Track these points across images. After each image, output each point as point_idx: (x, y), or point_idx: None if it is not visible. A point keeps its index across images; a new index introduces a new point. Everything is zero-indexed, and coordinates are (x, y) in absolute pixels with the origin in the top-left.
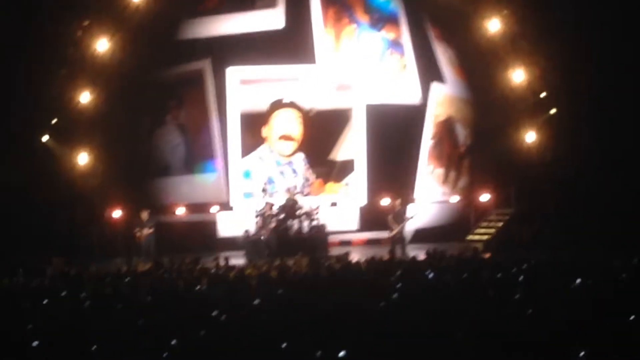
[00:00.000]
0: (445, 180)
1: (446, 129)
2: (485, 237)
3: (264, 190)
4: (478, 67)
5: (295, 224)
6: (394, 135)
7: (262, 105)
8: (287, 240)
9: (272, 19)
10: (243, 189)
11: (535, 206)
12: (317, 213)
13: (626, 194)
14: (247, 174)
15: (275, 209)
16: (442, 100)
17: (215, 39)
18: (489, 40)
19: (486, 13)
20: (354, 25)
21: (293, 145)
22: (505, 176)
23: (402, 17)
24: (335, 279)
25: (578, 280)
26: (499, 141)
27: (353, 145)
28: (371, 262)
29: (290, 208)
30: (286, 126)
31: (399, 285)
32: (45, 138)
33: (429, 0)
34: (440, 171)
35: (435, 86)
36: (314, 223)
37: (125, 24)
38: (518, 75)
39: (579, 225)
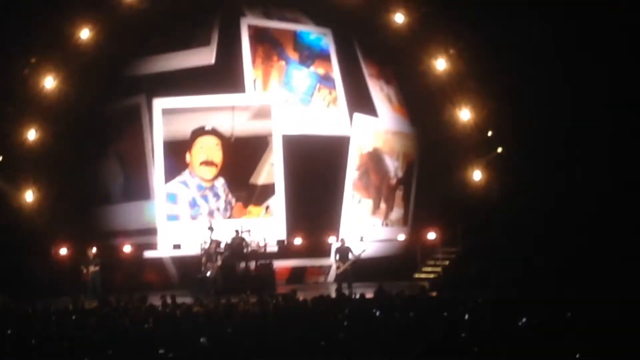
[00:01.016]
0: (375, 211)
1: (372, 160)
2: (432, 275)
3: (210, 228)
4: (423, 105)
5: (241, 262)
6: (317, 163)
7: (186, 133)
8: (234, 277)
9: (204, 56)
10: (167, 212)
11: (482, 245)
12: (264, 251)
13: (572, 233)
14: (172, 198)
15: (221, 246)
16: (368, 133)
17: (152, 75)
18: (435, 79)
19: (433, 52)
20: (283, 62)
21: (214, 171)
22: (451, 214)
23: (333, 53)
24: (282, 317)
25: (524, 319)
26: (445, 179)
27: (273, 171)
28: (318, 300)
29: (237, 246)
30: (207, 152)
31: (346, 324)
32: None
33: (374, 38)
34: (369, 202)
35: (359, 118)
36: (261, 261)
37: (71, 61)
38: (464, 114)
39: (525, 263)
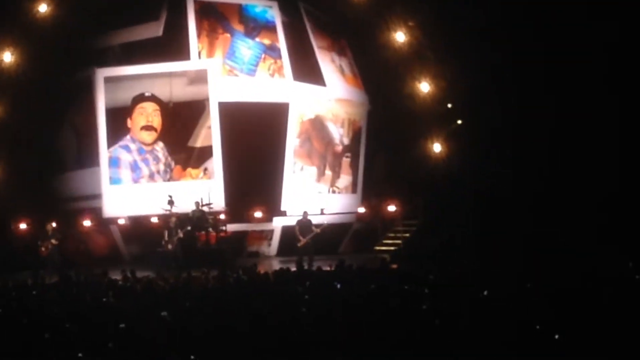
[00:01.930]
0: (320, 178)
1: (314, 127)
2: (392, 248)
3: (170, 202)
4: (382, 77)
5: (202, 235)
6: (255, 129)
7: (127, 100)
8: (194, 252)
9: (153, 29)
10: (111, 175)
11: (442, 217)
12: (224, 225)
13: (531, 204)
14: (114, 162)
15: (182, 220)
16: (309, 100)
17: (104, 48)
18: (394, 52)
19: (392, 25)
20: (228, 35)
21: (153, 135)
22: (412, 186)
23: (279, 25)
24: (243, 290)
25: (485, 292)
26: (405, 151)
27: (210, 134)
28: (279, 273)
29: (197, 220)
30: (147, 117)
31: (307, 297)
32: None
33: (328, 11)
34: (312, 169)
35: (299, 86)
36: (221, 234)
37: (29, 35)
38: (424, 86)
39: (485, 235)
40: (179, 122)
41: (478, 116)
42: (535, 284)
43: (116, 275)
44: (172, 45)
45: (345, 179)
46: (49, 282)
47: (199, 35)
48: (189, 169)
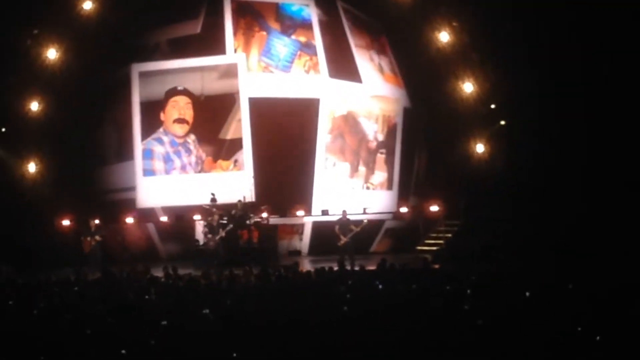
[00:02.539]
0: (354, 174)
1: (347, 123)
2: (434, 248)
3: (212, 199)
4: (425, 77)
5: (244, 233)
6: (285, 124)
7: (160, 94)
8: (236, 250)
9: (192, 27)
10: (144, 167)
11: (484, 217)
12: (266, 223)
13: (574, 205)
14: (148, 154)
15: (224, 218)
16: (341, 96)
17: (145, 45)
18: (438, 52)
19: (436, 25)
20: (264, 33)
21: (185, 127)
22: (454, 187)
23: (315, 23)
24: (285, 289)
25: (527, 293)
26: (448, 152)
27: (240, 126)
28: (321, 272)
29: (239, 218)
30: (179, 110)
31: (348, 296)
32: None
33: (370, 11)
34: (345, 165)
35: (331, 82)
36: (264, 233)
37: (73, 32)
38: (467, 87)
39: (527, 236)
40: (210, 115)
41: (521, 117)
42: (577, 285)
43: (158, 272)
44: (209, 42)
45: (380, 175)
46: (92, 278)
47: (235, 33)
48: (220, 161)
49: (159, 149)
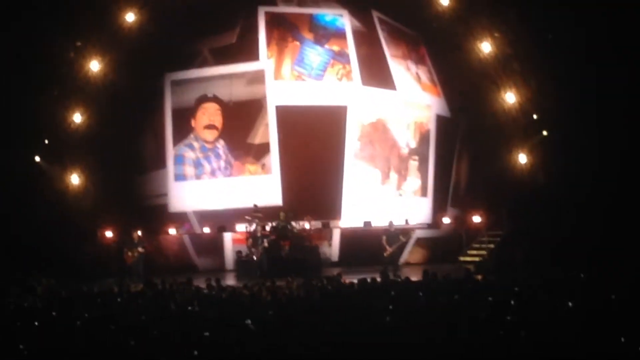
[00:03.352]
0: (385, 181)
1: (376, 130)
2: (477, 259)
3: (256, 210)
4: (466, 87)
5: (287, 245)
6: (312, 130)
7: (191, 101)
8: (279, 261)
9: (228, 38)
10: (176, 172)
11: (527, 228)
12: (308, 235)
13: (617, 215)
14: (179, 159)
15: (267, 229)
16: (371, 104)
17: (185, 56)
18: (479, 62)
19: (478, 35)
20: (297, 43)
21: (215, 133)
22: (497, 197)
23: (349, 32)
24: (328, 300)
25: (570, 303)
26: (491, 162)
27: (268, 131)
28: (364, 283)
29: (282, 229)
30: (209, 117)
31: (391, 307)
32: (37, 158)
33: (409, 21)
34: (376, 172)
35: (362, 89)
36: (306, 244)
37: (116, 45)
38: (510, 97)
39: (569, 247)
40: (239, 120)
41: (563, 127)
42: (619, 295)
43: (201, 284)
44: (244, 52)
45: (413, 182)
46: (134, 289)
47: (268, 44)
48: (247, 165)
49: (189, 155)
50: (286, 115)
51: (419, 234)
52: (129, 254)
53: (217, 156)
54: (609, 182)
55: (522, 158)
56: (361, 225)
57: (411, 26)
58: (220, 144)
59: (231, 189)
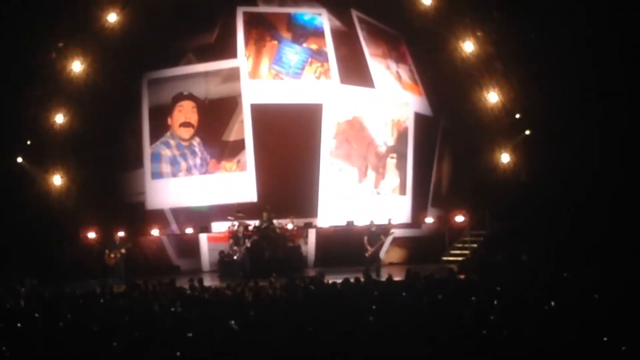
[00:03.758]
0: (362, 179)
1: (352, 128)
2: (460, 258)
3: (238, 211)
4: (448, 87)
5: (270, 245)
6: (287, 127)
7: (167, 99)
8: (262, 261)
9: (207, 38)
10: (152, 170)
11: (510, 228)
12: (291, 235)
13: (601, 214)
14: (156, 157)
15: (249, 229)
16: (346, 102)
17: (162, 56)
18: (462, 61)
19: (460, 34)
20: (275, 42)
21: (191, 131)
22: (480, 197)
23: (327, 30)
24: (311, 300)
25: (552, 303)
26: (473, 162)
27: (243, 127)
28: (347, 283)
29: (265, 229)
30: (185, 114)
31: (374, 307)
32: (19, 159)
33: (391, 20)
34: (353, 170)
35: (336, 88)
36: (289, 244)
37: (97, 45)
38: (492, 96)
39: (552, 246)
40: (214, 118)
41: (546, 126)
42: (602, 294)
43: (183, 284)
44: (222, 52)
45: (391, 180)
46: (117, 290)
47: (246, 43)
48: (223, 162)
49: (166, 152)
50: (261, 113)
51: (398, 233)
52: (111, 255)
53: (193, 153)
54: (592, 181)
55: (505, 157)
56: (342, 224)
57: (393, 25)
58: (196, 142)
59: (207, 186)
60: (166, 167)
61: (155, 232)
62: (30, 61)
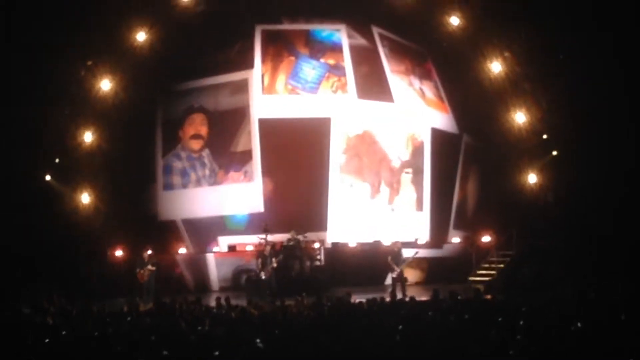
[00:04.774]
0: (375, 194)
1: (363, 143)
2: (487, 278)
3: (265, 230)
4: (476, 106)
5: (296, 264)
6: (298, 143)
7: (179, 112)
8: (289, 280)
9: (228, 55)
10: (164, 181)
11: (537, 248)
12: (318, 254)
13: (628, 236)
14: (168, 169)
15: (276, 248)
16: (358, 116)
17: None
18: (490, 81)
19: (488, 54)
20: (292, 58)
21: (200, 142)
22: (507, 217)
23: (346, 45)
24: (337, 319)
25: (579, 324)
26: (500, 182)
27: (250, 138)
28: (373, 303)
29: (291, 248)
30: (195, 127)
31: (401, 327)
32: (48, 177)
33: (431, 40)
34: (365, 185)
35: (351, 101)
36: (316, 263)
37: (126, 64)
38: (519, 117)
39: (579, 267)
40: (223, 129)
41: (573, 147)
42: (629, 315)
43: (211, 303)
44: (240, 69)
45: (407, 196)
46: (144, 308)
47: (263, 60)
48: (231, 173)
49: (177, 164)
50: (268, 125)
51: (423, 253)
52: (141, 272)
53: (203, 165)
54: (619, 202)
55: (532, 178)
56: (369, 241)
57: (418, 42)
58: (206, 153)
59: (216, 196)
60: (177, 179)
61: (182, 250)
62: (59, 79)
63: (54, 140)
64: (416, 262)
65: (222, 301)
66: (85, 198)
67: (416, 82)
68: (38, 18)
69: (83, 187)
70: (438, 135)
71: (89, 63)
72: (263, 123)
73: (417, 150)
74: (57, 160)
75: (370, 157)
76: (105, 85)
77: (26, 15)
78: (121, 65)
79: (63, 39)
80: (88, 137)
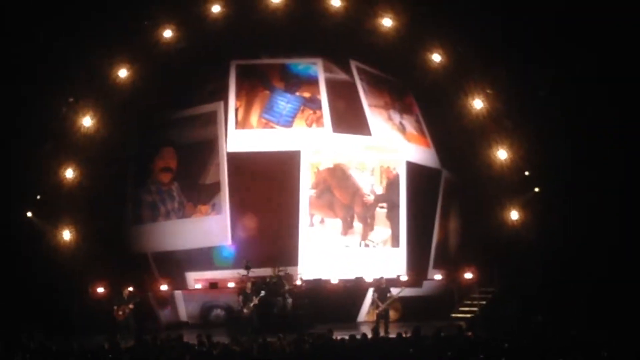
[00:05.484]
0: (347, 231)
1: (334, 176)
2: (468, 315)
3: (247, 267)
4: (457, 143)
5: (278, 301)
6: (267, 177)
7: (150, 146)
8: (270, 317)
9: (203, 95)
10: (133, 215)
11: (519, 285)
12: (300, 291)
13: (609, 273)
14: (138, 203)
15: (257, 285)
16: (326, 149)
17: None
18: (471, 117)
19: (469, 91)
20: (267, 92)
21: (169, 176)
22: (488, 254)
23: (322, 79)
24: (319, 357)
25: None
26: (481, 219)
27: (218, 170)
28: (355, 340)
29: (273, 285)
30: (165, 160)
31: None
32: (29, 214)
33: (411, 78)
34: (336, 221)
35: (320, 133)
36: (298, 301)
37: (108, 100)
38: (501, 153)
39: (562, 304)
40: (192, 162)
41: (555, 184)
42: (612, 352)
43: (192, 340)
44: (210, 101)
45: (382, 231)
46: (125, 346)
47: (238, 95)
48: (199, 206)
49: (146, 198)
50: (238, 160)
51: (407, 291)
52: (119, 312)
53: (171, 198)
54: (601, 239)
55: (514, 215)
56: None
57: (399, 77)
58: (175, 186)
59: (184, 230)
60: (147, 212)
61: (164, 287)
62: (41, 116)
63: (36, 176)
64: (404, 300)
65: (204, 338)
66: (66, 234)
67: (396, 116)
68: (18, 55)
69: (64, 224)
70: (415, 169)
71: (71, 100)
72: (232, 156)
73: (392, 184)
74: (38, 197)
75: (341, 191)
76: (87, 121)
77: (8, 52)
78: (102, 101)
79: (45, 76)
80: (69, 173)
